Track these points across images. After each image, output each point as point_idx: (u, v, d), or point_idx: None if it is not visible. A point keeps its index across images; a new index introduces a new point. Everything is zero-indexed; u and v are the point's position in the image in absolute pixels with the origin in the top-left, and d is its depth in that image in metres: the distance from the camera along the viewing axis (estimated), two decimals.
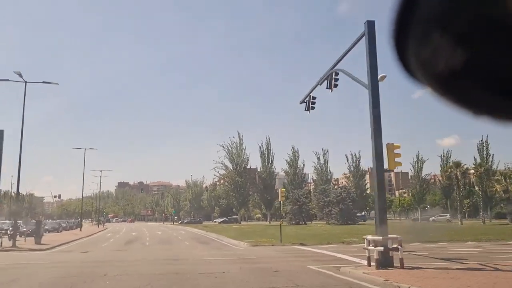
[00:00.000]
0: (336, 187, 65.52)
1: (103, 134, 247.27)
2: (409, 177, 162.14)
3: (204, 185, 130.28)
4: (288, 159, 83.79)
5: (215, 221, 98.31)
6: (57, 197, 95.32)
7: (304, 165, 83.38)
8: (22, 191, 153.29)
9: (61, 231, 48.60)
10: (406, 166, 78.77)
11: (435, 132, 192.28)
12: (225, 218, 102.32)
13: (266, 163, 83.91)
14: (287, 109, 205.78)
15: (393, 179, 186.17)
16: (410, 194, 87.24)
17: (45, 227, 47.39)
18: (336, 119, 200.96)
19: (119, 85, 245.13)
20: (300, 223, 65.74)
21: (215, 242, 34.44)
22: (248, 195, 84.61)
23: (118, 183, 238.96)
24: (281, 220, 31.20)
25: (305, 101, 24.73)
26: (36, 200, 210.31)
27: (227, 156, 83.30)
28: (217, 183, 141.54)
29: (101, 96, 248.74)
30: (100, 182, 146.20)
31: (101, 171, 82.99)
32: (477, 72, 0.91)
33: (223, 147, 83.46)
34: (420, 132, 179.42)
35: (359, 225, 59.95)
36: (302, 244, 28.67)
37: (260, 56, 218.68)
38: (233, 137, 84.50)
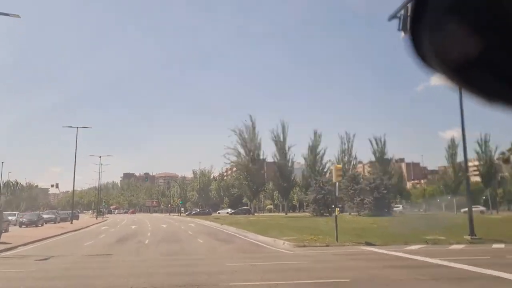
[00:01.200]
0: (367, 174, 55.35)
1: (110, 124, 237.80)
2: (422, 167, 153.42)
3: (212, 175, 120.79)
4: (310, 143, 74.02)
5: (218, 212, 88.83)
6: (55, 186, 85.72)
7: (325, 151, 73.66)
8: (22, 181, 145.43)
9: (41, 225, 38.96)
10: (415, 156, 70.33)
11: (437, 124, 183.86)
12: (233, 209, 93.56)
13: (282, 148, 74.14)
14: (294, 103, 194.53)
15: (404, 170, 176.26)
16: (442, 185, 77.19)
17: (21, 219, 38.10)
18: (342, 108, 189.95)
19: (126, 77, 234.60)
20: (325, 214, 56.12)
21: (238, 239, 24.92)
22: (263, 183, 74.83)
23: (124, 174, 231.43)
24: (336, 208, 21.46)
25: (398, 15, 14.83)
26: (41, 191, 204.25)
27: (238, 141, 73.64)
28: (225, 173, 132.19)
29: (107, 87, 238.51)
30: (100, 171, 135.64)
31: (100, 156, 73.70)
32: (492, 61, 0.88)
33: (235, 131, 73.74)
34: (422, 124, 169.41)
35: (396, 216, 50.28)
36: (368, 244, 19.29)
37: (268, 47, 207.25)
38: (245, 120, 74.73)
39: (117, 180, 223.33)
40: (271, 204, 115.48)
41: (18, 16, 21.85)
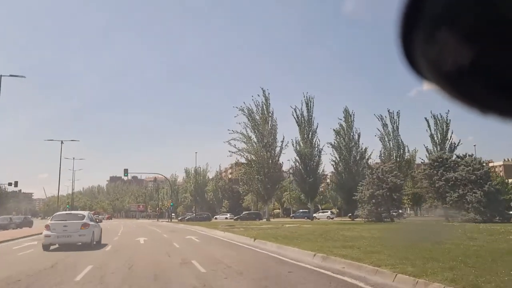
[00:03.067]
0: (458, 158, 35.52)
1: (98, 127, 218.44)
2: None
3: (207, 175, 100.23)
4: (339, 126, 54.65)
5: (216, 218, 68.94)
6: (13, 185, 66.07)
7: (359, 134, 54.29)
8: None
9: None
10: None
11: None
12: (232, 213, 74.37)
13: (306, 134, 54.79)
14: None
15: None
16: None
17: None
18: None
19: (114, 82, 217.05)
20: (385, 219, 36.78)
21: None
22: (281, 179, 55.08)
23: (110, 177, 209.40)
24: None
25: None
26: (23, 196, 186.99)
27: (248, 124, 54.19)
28: (224, 172, 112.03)
29: (95, 92, 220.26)
30: (74, 175, 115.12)
31: (73, 158, 54.12)
32: (485, 70, 0.86)
33: (242, 110, 54.30)
34: (414, 128, 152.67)
35: None
36: None
37: (260, 55, 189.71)
38: (258, 95, 55.17)
39: (103, 183, 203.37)
40: (279, 208, 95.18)
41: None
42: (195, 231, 30.91)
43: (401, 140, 51.91)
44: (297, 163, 55.07)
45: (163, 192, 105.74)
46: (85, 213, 19.16)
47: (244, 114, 54.42)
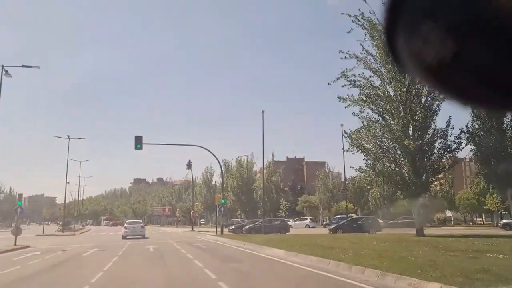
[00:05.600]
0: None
1: (121, 126, 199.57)
2: None
3: (254, 167, 71.55)
4: None
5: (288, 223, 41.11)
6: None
7: None
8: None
9: None
10: None
11: None
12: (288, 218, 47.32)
13: None
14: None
15: None
16: None
17: None
18: None
19: (127, 79, 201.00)
20: None
21: None
22: (449, 149, 26.72)
23: (134, 179, 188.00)
24: None
25: None
26: (46, 200, 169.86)
27: (374, 53, 26.38)
28: (271, 166, 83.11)
29: (110, 89, 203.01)
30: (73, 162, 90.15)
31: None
32: (466, 63, 0.86)
33: (362, 20, 26.46)
34: None
35: None
36: None
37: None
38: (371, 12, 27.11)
39: (126, 186, 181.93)
40: (354, 211, 65.76)
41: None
42: None
43: None
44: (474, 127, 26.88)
45: (197, 190, 77.63)
46: (140, 221, 40.33)
47: (364, 28, 26.67)
